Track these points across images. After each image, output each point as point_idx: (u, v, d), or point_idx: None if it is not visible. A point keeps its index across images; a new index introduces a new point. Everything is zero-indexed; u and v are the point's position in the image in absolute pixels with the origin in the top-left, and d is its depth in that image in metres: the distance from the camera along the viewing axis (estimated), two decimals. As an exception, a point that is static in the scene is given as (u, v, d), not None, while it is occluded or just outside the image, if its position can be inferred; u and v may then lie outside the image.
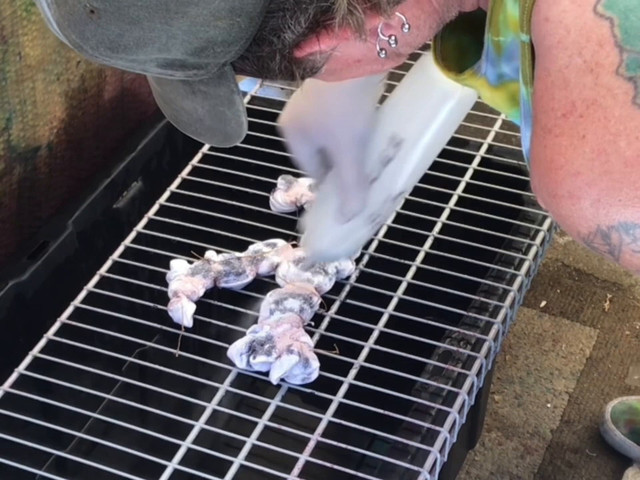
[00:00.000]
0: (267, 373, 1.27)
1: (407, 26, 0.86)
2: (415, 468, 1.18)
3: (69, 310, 1.38)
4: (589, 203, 0.79)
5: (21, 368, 1.31)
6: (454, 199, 1.52)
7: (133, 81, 1.70)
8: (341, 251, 1.31)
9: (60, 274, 1.46)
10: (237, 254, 1.42)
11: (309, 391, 1.27)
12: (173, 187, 1.56)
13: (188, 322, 1.34)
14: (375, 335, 1.33)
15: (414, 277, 1.40)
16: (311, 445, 1.20)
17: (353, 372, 1.28)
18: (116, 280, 1.42)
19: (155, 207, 1.53)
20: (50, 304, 1.40)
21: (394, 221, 1.48)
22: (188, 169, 1.59)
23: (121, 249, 1.46)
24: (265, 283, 1.40)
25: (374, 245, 1.45)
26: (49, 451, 1.24)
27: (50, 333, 1.35)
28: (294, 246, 1.43)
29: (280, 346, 1.27)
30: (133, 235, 1.49)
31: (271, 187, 1.53)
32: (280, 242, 1.44)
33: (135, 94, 1.73)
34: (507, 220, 1.49)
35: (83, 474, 1.27)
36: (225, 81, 0.84)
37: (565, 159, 0.79)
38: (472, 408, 1.29)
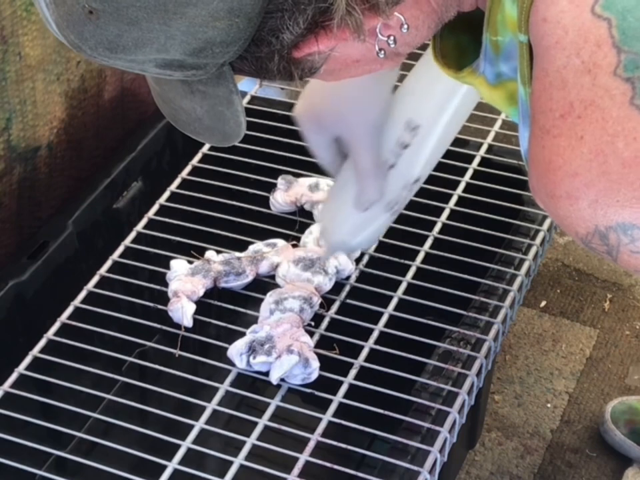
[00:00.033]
0: (267, 373, 1.27)
1: (405, 26, 0.86)
2: (415, 468, 1.18)
3: (69, 310, 1.38)
4: (586, 203, 0.79)
5: (21, 368, 1.31)
6: (454, 199, 1.52)
7: (132, 81, 1.70)
8: (360, 241, 1.30)
9: (60, 274, 1.46)
10: (237, 254, 1.42)
11: (308, 390, 1.27)
12: (173, 186, 1.56)
13: (188, 322, 1.34)
14: (375, 335, 1.33)
15: (414, 277, 1.40)
16: (310, 445, 1.20)
17: (352, 372, 1.28)
18: (116, 280, 1.42)
19: (155, 207, 1.53)
20: (50, 304, 1.40)
21: (394, 221, 1.48)
22: (188, 169, 1.59)
23: (121, 249, 1.46)
24: (265, 283, 1.40)
25: (374, 245, 1.44)
26: (49, 451, 1.24)
27: (50, 333, 1.35)
28: (294, 246, 1.43)
29: (280, 346, 1.27)
30: (133, 235, 1.49)
31: (271, 187, 1.53)
32: (280, 242, 1.44)
33: (135, 94, 1.72)
34: (506, 220, 1.48)
35: (82, 474, 1.27)
36: (224, 81, 0.85)
37: (563, 159, 0.79)
38: (472, 408, 1.29)
